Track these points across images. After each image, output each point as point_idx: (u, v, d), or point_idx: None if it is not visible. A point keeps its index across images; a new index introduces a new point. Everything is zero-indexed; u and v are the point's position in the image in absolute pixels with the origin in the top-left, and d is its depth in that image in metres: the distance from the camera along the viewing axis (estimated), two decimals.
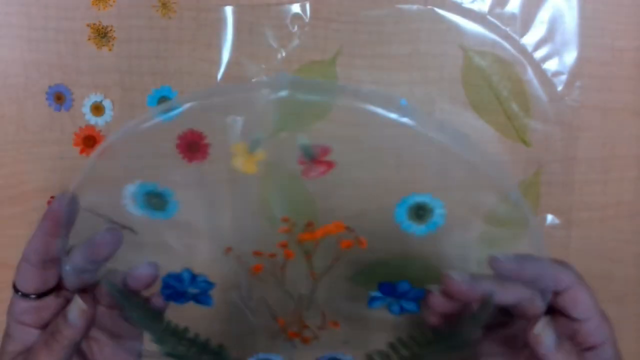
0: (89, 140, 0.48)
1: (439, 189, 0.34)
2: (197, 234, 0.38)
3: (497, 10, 0.45)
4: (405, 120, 0.30)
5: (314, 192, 0.36)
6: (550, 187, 0.47)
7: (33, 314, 0.36)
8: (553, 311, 0.34)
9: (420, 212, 0.33)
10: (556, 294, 0.34)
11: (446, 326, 0.35)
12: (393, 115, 0.30)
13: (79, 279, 0.37)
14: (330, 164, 0.33)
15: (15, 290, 0.36)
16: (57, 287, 0.37)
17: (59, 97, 0.48)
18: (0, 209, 0.50)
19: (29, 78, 0.47)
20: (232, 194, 0.38)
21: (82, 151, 0.48)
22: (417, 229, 0.34)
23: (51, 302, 0.36)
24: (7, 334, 0.36)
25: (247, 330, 0.43)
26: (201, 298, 0.36)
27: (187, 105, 0.32)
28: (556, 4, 0.45)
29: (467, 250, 0.37)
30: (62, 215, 0.35)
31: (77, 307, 0.35)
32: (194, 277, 0.35)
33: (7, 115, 0.48)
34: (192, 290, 0.36)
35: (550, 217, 0.47)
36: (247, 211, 0.38)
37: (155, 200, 0.35)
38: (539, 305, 0.34)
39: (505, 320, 0.36)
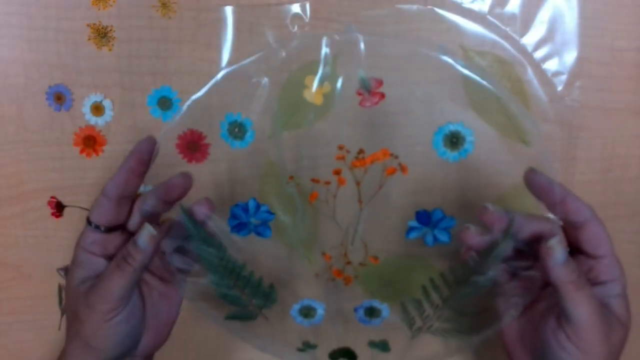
0: (89, 140, 0.48)
1: (470, 121, 0.39)
2: (264, 165, 0.45)
3: (497, 10, 0.45)
4: (448, 59, 0.37)
5: (366, 121, 0.41)
6: None
7: (101, 245, 0.40)
8: (572, 251, 0.38)
9: (453, 139, 0.38)
10: (576, 228, 0.37)
11: (474, 259, 0.38)
12: (443, 57, 0.37)
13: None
14: (382, 95, 0.39)
15: (89, 222, 0.40)
16: (123, 225, 0.41)
17: (59, 97, 0.48)
18: (0, 209, 0.50)
19: (29, 78, 0.47)
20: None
21: (82, 151, 0.48)
22: (450, 155, 0.39)
23: (117, 236, 0.41)
24: (75, 263, 0.40)
25: (295, 265, 0.47)
26: (261, 229, 0.40)
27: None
28: (556, 4, 0.45)
29: (492, 176, 0.44)
30: (147, 156, 0.40)
31: (147, 233, 0.39)
32: (258, 207, 0.40)
33: (7, 115, 0.48)
34: (255, 220, 0.40)
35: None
36: (309, 140, 0.44)
37: (237, 129, 0.41)
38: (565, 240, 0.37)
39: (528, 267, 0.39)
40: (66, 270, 0.50)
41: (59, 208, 0.49)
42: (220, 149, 0.47)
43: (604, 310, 0.37)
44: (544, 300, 0.39)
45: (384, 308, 0.43)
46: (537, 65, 0.45)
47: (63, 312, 0.51)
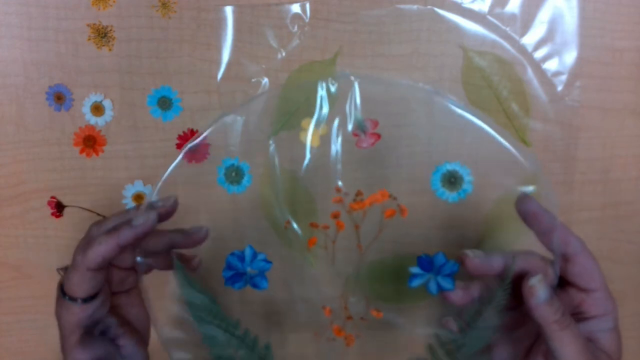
0: (89, 140, 0.48)
1: (468, 161, 0.38)
2: (251, 217, 0.44)
3: (497, 10, 0.45)
4: (441, 99, 0.36)
5: (364, 162, 0.41)
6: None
7: (94, 314, 0.38)
8: (563, 284, 0.37)
9: (452, 179, 0.37)
10: (566, 260, 0.36)
11: (473, 311, 0.38)
12: (428, 90, 0.37)
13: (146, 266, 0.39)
14: (378, 136, 0.39)
15: (68, 297, 0.37)
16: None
17: (59, 97, 0.48)
18: (0, 209, 0.50)
19: (29, 78, 0.47)
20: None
21: (82, 151, 0.48)
22: (449, 195, 0.38)
23: (102, 299, 0.38)
24: (82, 344, 0.37)
25: (294, 320, 0.46)
26: (257, 280, 0.39)
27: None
28: (556, 4, 0.45)
29: (491, 216, 0.43)
30: (145, 235, 0.37)
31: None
32: (255, 255, 0.38)
33: (7, 115, 0.48)
34: (251, 271, 0.39)
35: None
36: (306, 184, 0.43)
37: (234, 173, 0.40)
38: (551, 276, 0.36)
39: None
40: (66, 270, 0.50)
41: (59, 208, 0.49)
42: (220, 150, 0.47)
43: (592, 346, 0.36)
44: (530, 339, 0.38)
45: None
46: (537, 65, 0.45)
47: None
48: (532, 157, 0.38)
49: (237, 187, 0.40)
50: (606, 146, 0.47)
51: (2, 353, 0.53)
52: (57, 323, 0.38)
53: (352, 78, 0.38)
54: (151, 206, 0.38)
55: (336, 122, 0.39)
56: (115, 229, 0.36)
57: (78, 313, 0.36)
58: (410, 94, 0.38)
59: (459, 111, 0.37)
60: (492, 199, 0.43)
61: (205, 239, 0.40)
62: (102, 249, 0.36)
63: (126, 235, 0.36)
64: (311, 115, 0.39)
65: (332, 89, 0.39)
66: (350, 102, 0.39)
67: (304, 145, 0.40)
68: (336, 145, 0.40)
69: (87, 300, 0.36)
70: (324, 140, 0.40)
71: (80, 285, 0.36)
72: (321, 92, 0.39)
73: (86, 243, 0.36)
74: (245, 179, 0.40)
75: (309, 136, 0.39)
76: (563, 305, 0.35)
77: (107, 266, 0.37)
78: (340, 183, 0.39)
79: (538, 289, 0.34)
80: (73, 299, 0.36)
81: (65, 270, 0.51)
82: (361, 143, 0.39)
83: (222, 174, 0.40)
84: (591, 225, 0.48)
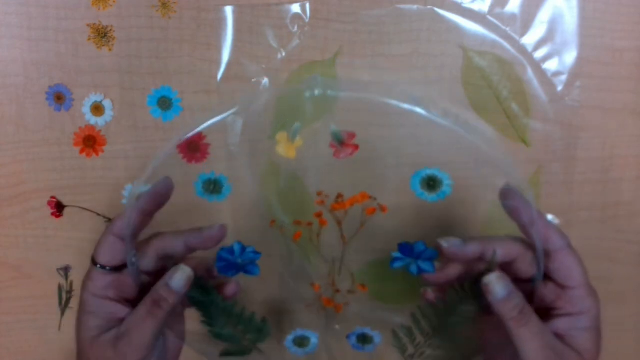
0: (89, 140, 0.48)
1: (446, 165, 0.39)
2: (245, 211, 0.47)
3: (497, 10, 0.45)
4: (416, 109, 0.36)
5: (343, 170, 0.42)
6: (550, 187, 0.47)
7: (115, 288, 0.38)
8: (544, 277, 0.37)
9: (431, 182, 0.39)
10: (546, 255, 0.36)
11: (458, 290, 0.38)
12: (406, 105, 0.36)
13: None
14: (356, 147, 0.39)
15: (96, 264, 0.38)
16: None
17: (59, 97, 0.48)
18: (0, 209, 0.50)
19: (29, 78, 0.47)
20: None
21: (82, 151, 0.48)
22: (428, 196, 0.39)
23: (127, 275, 0.39)
24: (88, 311, 0.38)
25: (287, 298, 0.48)
26: (249, 268, 0.40)
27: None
28: (556, 4, 0.45)
29: (472, 214, 0.45)
30: (163, 199, 0.39)
31: (183, 274, 0.38)
32: (243, 249, 0.40)
33: (7, 115, 0.48)
34: (242, 261, 0.40)
35: (550, 217, 0.47)
36: (288, 188, 0.44)
37: (212, 186, 0.41)
38: (532, 269, 0.36)
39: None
40: (66, 270, 0.51)
41: (59, 208, 0.49)
42: (219, 150, 0.47)
43: (559, 344, 0.35)
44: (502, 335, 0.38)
45: (376, 335, 0.43)
46: (537, 65, 0.45)
47: (63, 312, 0.52)
48: (508, 158, 0.38)
49: (217, 196, 0.41)
50: (606, 146, 0.47)
51: (2, 353, 0.53)
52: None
53: (329, 92, 0.38)
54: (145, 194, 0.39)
55: (312, 134, 0.40)
56: (137, 199, 0.38)
57: (97, 280, 0.38)
58: (389, 106, 0.38)
59: (439, 120, 0.36)
60: (473, 204, 0.44)
61: (223, 236, 0.40)
62: (127, 217, 0.37)
63: (145, 199, 0.38)
64: (288, 126, 0.40)
65: (310, 100, 0.38)
66: (326, 114, 0.40)
67: (281, 158, 0.40)
68: (315, 158, 0.41)
69: (110, 269, 0.38)
70: (301, 152, 0.40)
71: (104, 248, 0.38)
72: (299, 102, 0.39)
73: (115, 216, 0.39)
74: (225, 188, 0.41)
75: (285, 149, 0.40)
76: (524, 302, 0.35)
77: (134, 239, 0.38)
78: (320, 188, 0.41)
79: (494, 287, 0.35)
80: (99, 266, 0.38)
81: (65, 270, 0.51)
82: (339, 154, 0.39)
83: (199, 188, 0.41)
84: (591, 225, 0.48)
